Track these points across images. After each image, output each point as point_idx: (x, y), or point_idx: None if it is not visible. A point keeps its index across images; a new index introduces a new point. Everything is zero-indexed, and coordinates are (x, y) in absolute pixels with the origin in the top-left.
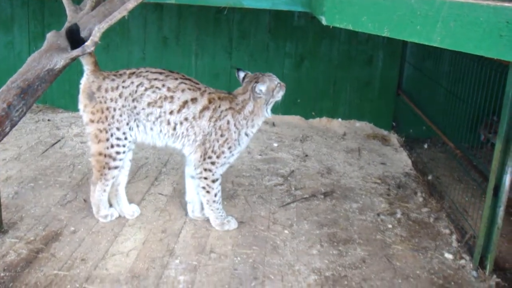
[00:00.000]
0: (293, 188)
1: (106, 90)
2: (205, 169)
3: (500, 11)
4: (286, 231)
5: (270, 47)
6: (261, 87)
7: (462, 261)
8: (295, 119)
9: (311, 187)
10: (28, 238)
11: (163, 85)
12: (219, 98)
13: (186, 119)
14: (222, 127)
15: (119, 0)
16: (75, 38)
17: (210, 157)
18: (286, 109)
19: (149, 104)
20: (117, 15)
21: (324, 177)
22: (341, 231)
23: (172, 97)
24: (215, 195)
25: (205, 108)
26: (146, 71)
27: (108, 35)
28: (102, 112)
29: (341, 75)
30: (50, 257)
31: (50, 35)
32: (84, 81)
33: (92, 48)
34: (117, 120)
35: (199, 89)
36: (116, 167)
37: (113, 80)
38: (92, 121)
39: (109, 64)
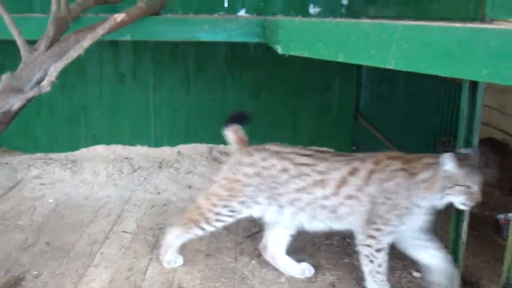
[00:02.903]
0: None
1: (242, 165)
2: (369, 236)
3: (451, 31)
4: (253, 261)
5: (227, 79)
6: (448, 163)
7: None
8: None
9: None
10: None
11: (313, 170)
12: (388, 157)
13: (348, 197)
14: (389, 189)
15: (74, 39)
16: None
17: (375, 223)
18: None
19: (296, 190)
20: (72, 54)
21: None
22: (309, 257)
23: (323, 181)
24: (379, 266)
25: (371, 172)
26: (293, 153)
27: (63, 74)
28: (230, 182)
29: (299, 103)
30: None
31: (5, 77)
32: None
33: (49, 88)
34: (244, 195)
35: (357, 158)
36: (203, 230)
37: (251, 155)
38: (216, 182)
39: (66, 103)
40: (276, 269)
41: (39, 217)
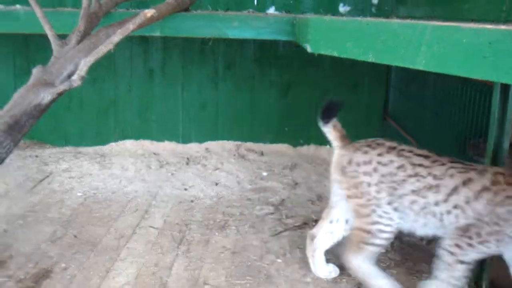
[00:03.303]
0: (284, 217)
1: (358, 164)
2: (457, 245)
3: (482, 33)
4: (279, 260)
5: (256, 77)
6: None
7: None
8: (283, 147)
9: (302, 215)
10: (18, 276)
11: (429, 173)
12: (506, 182)
13: (455, 206)
14: (500, 215)
15: (104, 34)
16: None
17: (470, 237)
18: (274, 138)
19: (413, 191)
20: (103, 49)
21: (315, 204)
22: (335, 257)
23: (437, 186)
24: (457, 279)
25: (484, 189)
26: (409, 151)
27: (94, 69)
28: (356, 187)
29: None
30: None
31: (36, 70)
32: (335, 156)
33: (79, 82)
34: (374, 197)
35: (475, 169)
36: (378, 246)
37: (365, 152)
38: (350, 197)
39: (96, 97)
40: (302, 268)
41: (68, 210)
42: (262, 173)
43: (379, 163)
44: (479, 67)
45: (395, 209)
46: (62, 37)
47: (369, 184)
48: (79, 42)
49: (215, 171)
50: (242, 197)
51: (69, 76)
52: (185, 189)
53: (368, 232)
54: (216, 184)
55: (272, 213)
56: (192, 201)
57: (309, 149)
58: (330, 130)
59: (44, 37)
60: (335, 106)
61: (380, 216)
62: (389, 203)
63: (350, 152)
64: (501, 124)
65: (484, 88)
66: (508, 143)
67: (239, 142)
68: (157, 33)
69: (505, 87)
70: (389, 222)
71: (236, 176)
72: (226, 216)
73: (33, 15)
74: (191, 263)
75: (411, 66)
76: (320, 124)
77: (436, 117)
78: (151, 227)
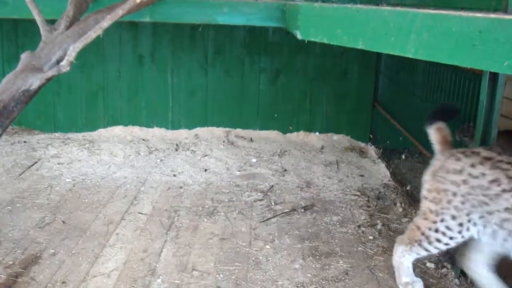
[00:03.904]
0: (273, 203)
1: (447, 171)
2: None
3: (472, 21)
4: (267, 246)
5: (246, 63)
6: None
7: (444, 270)
8: (273, 134)
9: (291, 201)
10: (6, 262)
11: None
12: None
13: None
14: None
15: (93, 20)
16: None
17: None
18: (264, 125)
19: (506, 209)
20: (92, 34)
21: (303, 191)
22: (323, 244)
23: None
24: None
25: None
26: (508, 163)
27: (83, 54)
28: (439, 193)
29: (317, 89)
30: (29, 281)
31: (24, 56)
32: (433, 160)
33: (68, 68)
34: (455, 207)
35: None
36: (426, 250)
37: (458, 159)
38: (425, 198)
39: (85, 83)
40: (290, 255)
41: (56, 196)
42: (251, 159)
43: (470, 175)
44: (469, 55)
45: (474, 224)
46: (51, 22)
47: (454, 194)
48: (68, 27)
49: (204, 157)
50: (231, 184)
51: (58, 61)
52: (174, 176)
53: (424, 234)
54: (205, 170)
55: (261, 200)
56: (181, 187)
57: (298, 136)
58: (432, 132)
59: (33, 22)
60: (445, 111)
61: (448, 228)
62: (469, 214)
63: (444, 157)
64: (489, 112)
65: (473, 76)
66: (496, 131)
67: (229, 129)
68: (147, 19)
69: (493, 76)
70: (455, 235)
71: (225, 163)
72: (215, 203)
73: (21, 0)
74: (180, 249)
75: (401, 54)
76: (426, 125)
77: (425, 105)
78: (140, 213)
